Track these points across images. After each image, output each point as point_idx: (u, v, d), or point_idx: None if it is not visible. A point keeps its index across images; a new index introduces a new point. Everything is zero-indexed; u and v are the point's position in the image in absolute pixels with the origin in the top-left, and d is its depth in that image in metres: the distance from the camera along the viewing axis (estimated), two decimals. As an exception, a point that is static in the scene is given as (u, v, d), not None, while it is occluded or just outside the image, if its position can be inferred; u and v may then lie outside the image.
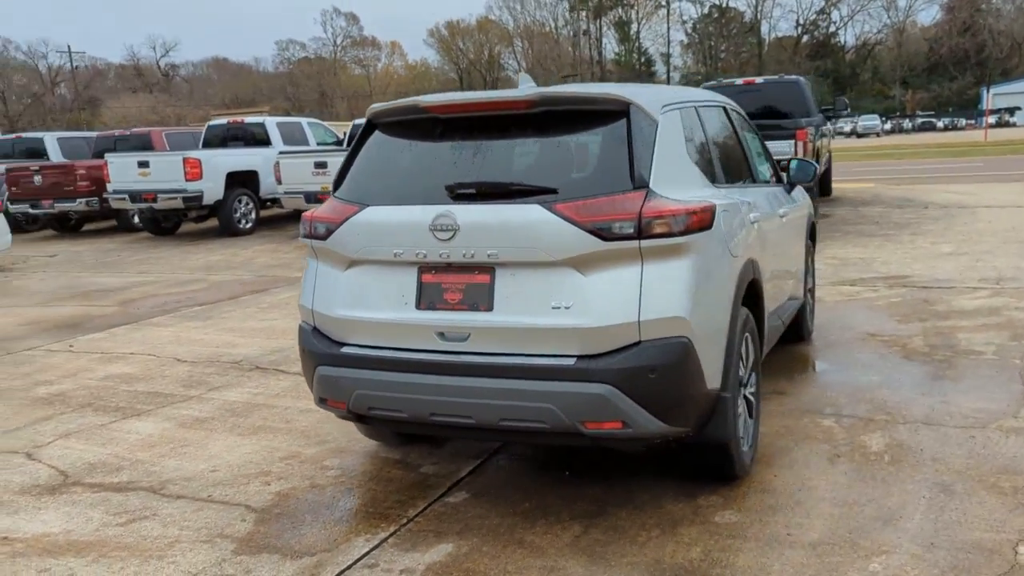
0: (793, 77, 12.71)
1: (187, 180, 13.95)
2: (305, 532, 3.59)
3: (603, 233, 3.14)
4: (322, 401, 3.70)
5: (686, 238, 3.25)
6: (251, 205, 15.40)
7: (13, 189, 16.92)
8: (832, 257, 9.65)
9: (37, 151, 19.09)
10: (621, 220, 3.14)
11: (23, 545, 3.61)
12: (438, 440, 4.50)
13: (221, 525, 3.69)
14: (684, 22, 73.90)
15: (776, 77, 12.85)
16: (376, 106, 3.76)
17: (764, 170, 5.21)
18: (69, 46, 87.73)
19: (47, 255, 14.65)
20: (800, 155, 10.32)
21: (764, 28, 72.37)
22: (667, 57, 73.75)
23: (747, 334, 3.87)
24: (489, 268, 3.31)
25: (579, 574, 3.13)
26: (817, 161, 11.79)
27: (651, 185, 3.24)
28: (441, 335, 3.36)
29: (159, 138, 16.39)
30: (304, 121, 17.66)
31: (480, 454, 4.33)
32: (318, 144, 16.82)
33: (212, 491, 4.07)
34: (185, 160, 13.95)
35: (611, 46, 78.13)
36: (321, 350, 3.61)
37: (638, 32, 75.20)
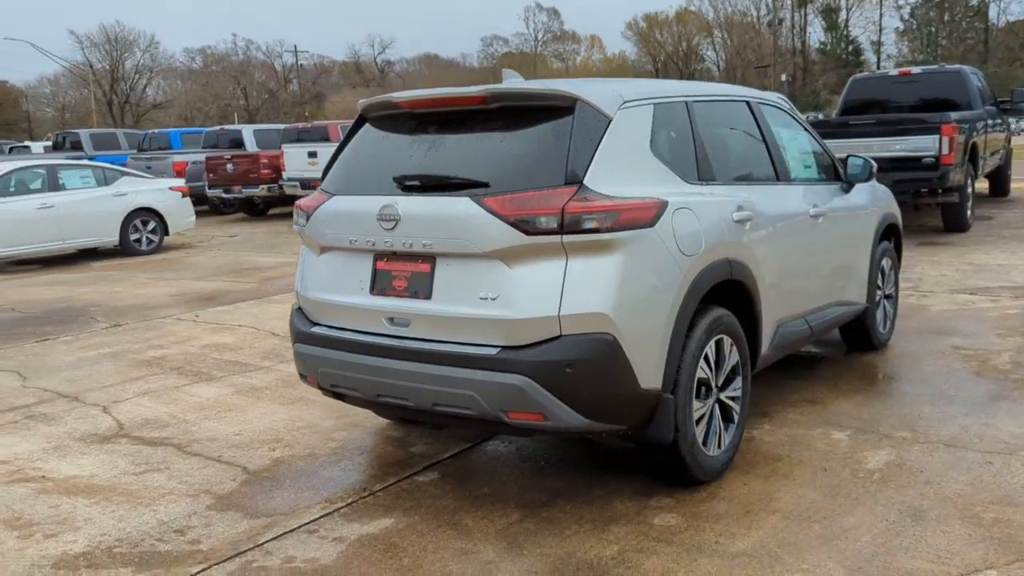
0: (956, 67, 11.69)
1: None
2: (276, 496, 3.89)
3: (526, 227, 3.19)
4: (302, 376, 3.98)
5: (615, 235, 3.23)
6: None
7: (211, 176, 18.72)
8: (969, 263, 8.88)
9: (238, 141, 20.95)
10: (544, 215, 3.18)
11: (52, 484, 4.15)
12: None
13: (212, 483, 4.07)
14: (900, 7, 68.93)
15: (936, 67, 11.85)
16: (363, 100, 3.99)
17: (806, 168, 4.97)
18: (295, 46, 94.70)
19: (228, 235, 16.10)
20: (947, 151, 9.53)
21: (993, 12, 66.10)
22: (878, 45, 69.16)
23: (722, 336, 3.76)
24: (430, 258, 3.45)
25: (489, 558, 3.22)
26: (976, 159, 10.84)
27: (585, 181, 3.25)
28: (391, 320, 3.54)
29: (336, 131, 17.49)
30: None
31: (474, 439, 4.47)
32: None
33: (224, 452, 4.47)
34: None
35: (816, 35, 74.36)
36: (299, 328, 3.90)
37: (847, 19, 71.05)
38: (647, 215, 3.34)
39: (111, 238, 12.95)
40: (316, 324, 3.84)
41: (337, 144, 4.10)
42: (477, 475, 4.04)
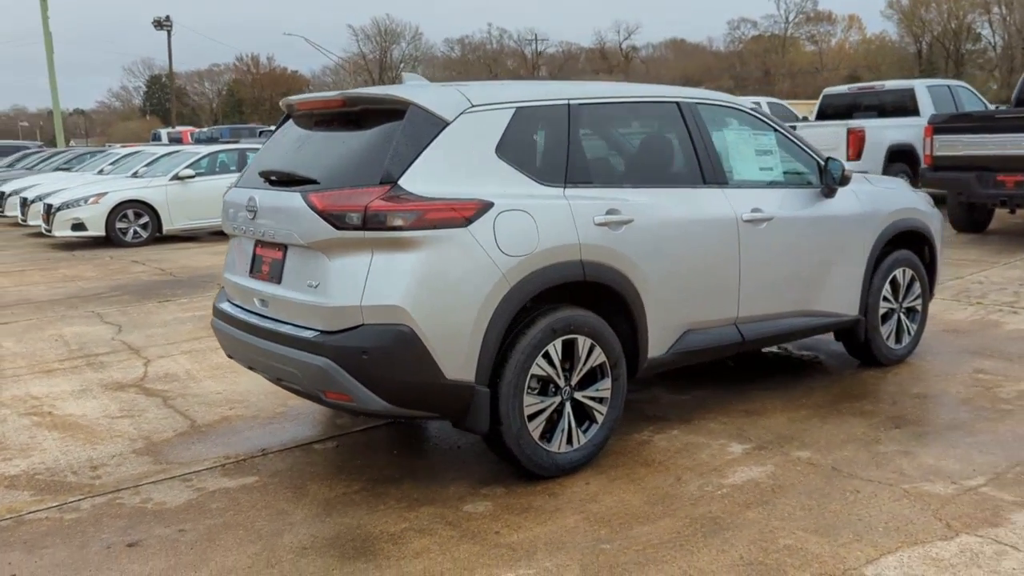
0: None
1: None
2: (192, 448, 4.46)
3: (336, 222, 3.47)
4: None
5: (419, 233, 3.43)
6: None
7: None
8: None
9: None
10: (351, 211, 3.44)
11: (50, 419, 4.98)
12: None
13: (158, 431, 4.71)
14: None
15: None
16: (284, 100, 4.41)
17: (762, 171, 4.78)
18: (535, 34, 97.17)
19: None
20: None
21: None
22: None
23: (575, 336, 3.81)
24: (283, 246, 3.82)
25: (295, 520, 3.55)
26: None
27: (399, 181, 3.47)
28: (262, 301, 3.96)
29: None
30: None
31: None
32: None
33: (193, 407, 5.11)
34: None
35: None
36: (214, 305, 4.42)
37: None
38: (461, 215, 3.50)
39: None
40: (226, 302, 4.34)
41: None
42: (368, 448, 4.37)
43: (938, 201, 6.52)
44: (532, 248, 3.65)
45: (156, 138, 36.05)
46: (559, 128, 3.96)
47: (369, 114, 3.78)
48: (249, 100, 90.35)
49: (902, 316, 5.48)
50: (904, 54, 69.56)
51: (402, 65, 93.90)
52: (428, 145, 3.57)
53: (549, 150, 3.93)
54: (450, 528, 3.43)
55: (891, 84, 13.65)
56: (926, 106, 12.35)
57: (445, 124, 3.63)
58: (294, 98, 4.18)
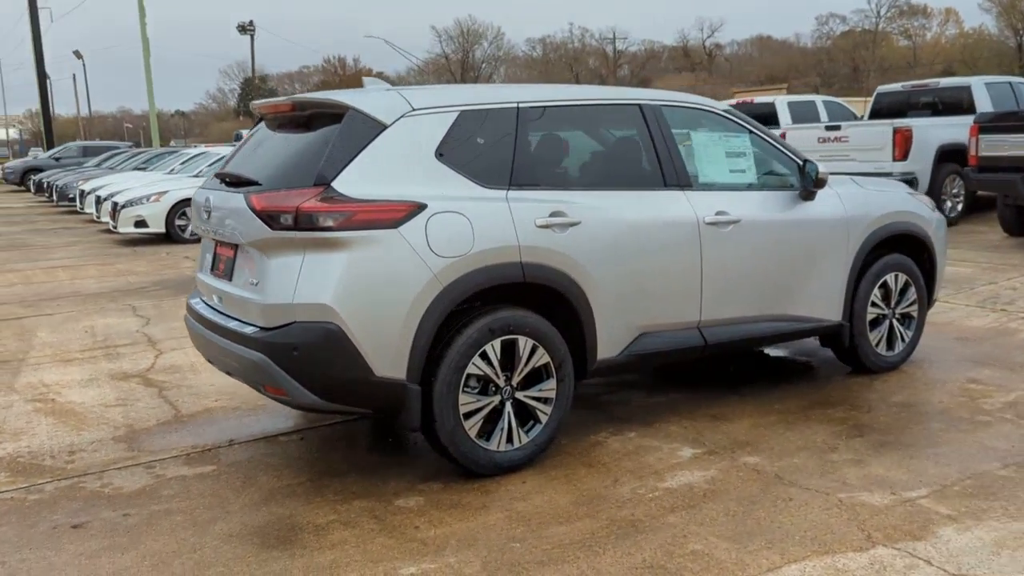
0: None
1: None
2: (168, 437, 4.66)
3: (271, 222, 3.60)
4: None
5: (349, 233, 3.53)
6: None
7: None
8: None
9: None
10: (285, 212, 3.56)
11: (51, 406, 5.28)
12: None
13: (142, 420, 4.94)
14: None
15: None
16: (252, 103, 4.57)
17: (732, 174, 4.71)
18: (614, 32, 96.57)
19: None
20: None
21: None
22: None
23: (515, 337, 3.85)
24: (234, 245, 3.97)
25: (233, 508, 3.69)
26: None
27: (333, 183, 3.58)
28: (219, 298, 4.13)
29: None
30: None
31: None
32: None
33: (182, 398, 5.34)
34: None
35: None
36: (187, 301, 4.61)
37: None
38: (391, 217, 3.59)
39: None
40: (197, 298, 4.53)
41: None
42: (330, 442, 4.50)
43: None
44: (466, 250, 3.71)
45: (238, 138, 37.25)
46: (506, 131, 4.00)
47: (316, 118, 3.91)
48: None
49: (895, 322, 5.33)
50: (1003, 48, 66.61)
51: (484, 65, 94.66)
52: (364, 148, 3.67)
53: (493, 153, 3.97)
54: (374, 522, 3.52)
55: (947, 81, 13.12)
56: (983, 104, 11.80)
57: (383, 127, 3.72)
58: (259, 102, 4.34)
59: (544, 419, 4.01)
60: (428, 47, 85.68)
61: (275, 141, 4.11)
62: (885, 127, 10.94)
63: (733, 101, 15.86)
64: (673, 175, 4.42)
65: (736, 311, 4.61)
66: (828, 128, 11.65)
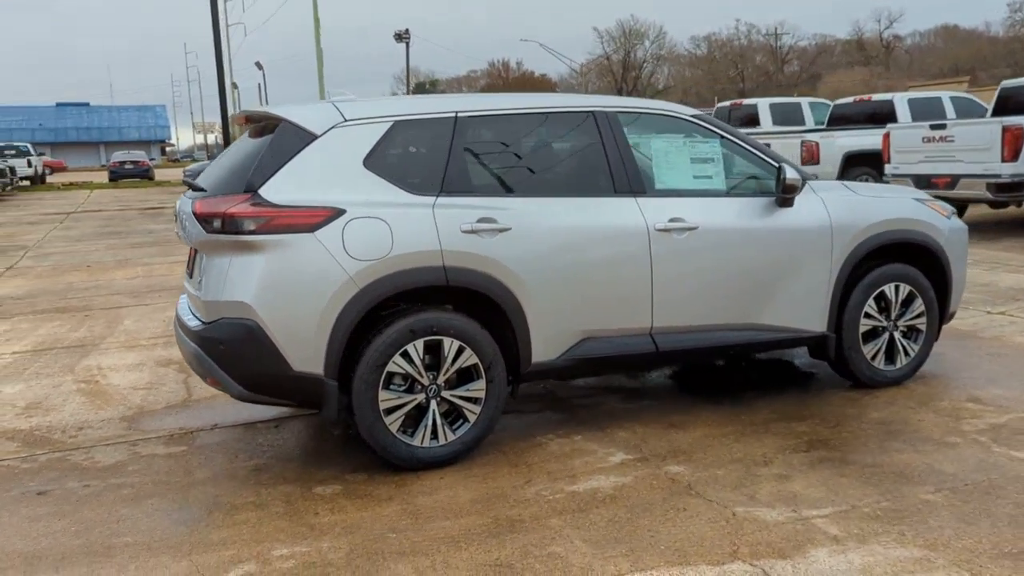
0: None
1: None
2: (166, 419, 5.10)
3: (206, 226, 3.92)
4: None
5: (268, 237, 3.80)
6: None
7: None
8: None
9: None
10: (215, 217, 3.88)
11: (92, 387, 5.88)
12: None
13: (156, 402, 5.42)
14: None
15: None
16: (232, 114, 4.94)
17: (696, 180, 4.64)
18: (776, 28, 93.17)
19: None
20: None
21: None
22: None
23: (440, 338, 4.00)
24: (197, 248, 4.34)
25: (175, 486, 4.07)
26: None
27: (260, 190, 3.87)
28: (188, 297, 4.52)
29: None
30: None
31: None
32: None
33: (200, 386, 5.79)
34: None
35: None
36: (178, 304, 5.04)
37: None
38: (307, 221, 3.83)
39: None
40: (182, 299, 4.95)
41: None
42: (301, 430, 4.81)
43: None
44: (384, 253, 3.90)
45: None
46: (440, 140, 4.16)
47: (265, 129, 4.21)
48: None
49: (896, 336, 5.06)
50: None
51: (645, 65, 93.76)
52: (293, 157, 3.93)
53: (426, 161, 4.14)
54: (283, 505, 3.78)
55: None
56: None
57: (313, 137, 3.98)
58: (240, 111, 4.70)
59: (473, 418, 4.14)
60: (590, 48, 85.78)
61: (234, 151, 4.45)
62: (993, 124, 10.16)
63: (850, 99, 15.12)
64: (624, 182, 4.43)
65: (694, 319, 4.55)
66: (933, 127, 10.93)
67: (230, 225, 3.83)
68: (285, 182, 3.89)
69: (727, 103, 18.51)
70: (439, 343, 4.03)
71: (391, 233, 3.92)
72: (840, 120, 14.67)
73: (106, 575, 3.22)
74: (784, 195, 4.63)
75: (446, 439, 4.10)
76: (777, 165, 4.69)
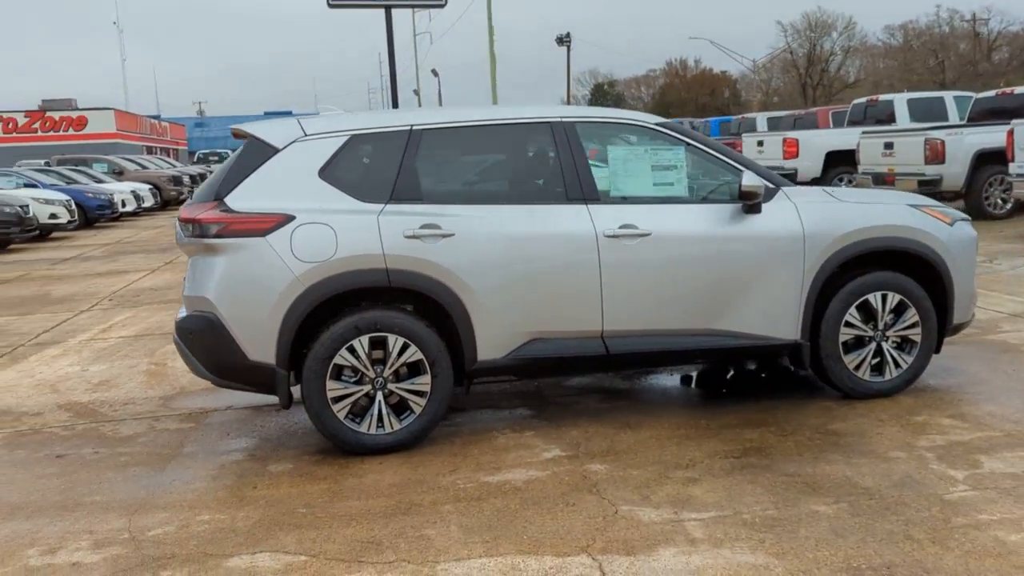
0: None
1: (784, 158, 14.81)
2: (196, 400, 5.73)
3: (185, 231, 4.47)
4: None
5: (226, 240, 4.29)
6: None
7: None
8: None
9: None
10: (191, 223, 4.40)
11: (158, 368, 6.65)
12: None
13: (197, 384, 6.06)
14: None
15: None
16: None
17: (656, 187, 4.72)
18: (973, 13, 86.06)
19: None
20: None
21: None
22: None
23: (384, 334, 4.35)
24: (195, 249, 4.91)
25: (165, 457, 4.65)
26: None
27: (225, 198, 4.36)
28: (192, 293, 5.11)
29: (824, 116, 16.98)
30: None
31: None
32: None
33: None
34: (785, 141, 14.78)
35: None
36: None
37: None
38: (259, 227, 4.29)
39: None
40: None
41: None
42: (297, 416, 5.30)
43: None
44: (328, 256, 4.29)
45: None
46: (393, 152, 4.51)
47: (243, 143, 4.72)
48: (676, 101, 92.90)
49: (885, 346, 4.91)
50: None
51: (832, 57, 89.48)
52: (256, 169, 4.41)
53: (378, 171, 4.50)
54: (234, 479, 4.26)
55: None
56: None
57: (276, 151, 4.44)
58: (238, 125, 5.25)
59: (418, 410, 4.46)
60: (772, 43, 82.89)
61: (223, 164, 4.98)
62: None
63: (993, 92, 14.03)
64: (577, 190, 4.59)
65: (649, 323, 4.64)
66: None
67: (198, 229, 4.35)
68: (248, 191, 4.37)
69: (863, 99, 17.55)
70: (384, 339, 4.38)
71: (336, 238, 4.31)
72: (984, 115, 13.68)
73: (61, 525, 3.80)
74: (745, 201, 4.63)
75: (392, 428, 4.44)
76: (741, 171, 4.68)
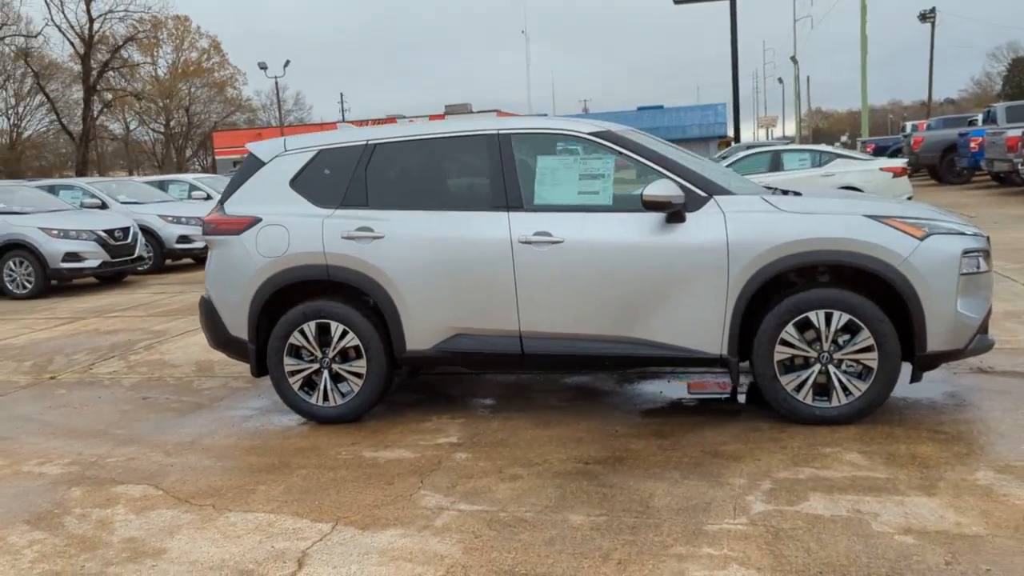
0: None
1: None
2: (206, 383, 6.91)
3: (202, 229, 5.58)
4: None
5: (216, 237, 5.30)
6: None
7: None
8: None
9: None
10: (204, 223, 5.51)
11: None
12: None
13: (226, 363, 7.27)
14: None
15: None
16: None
17: (580, 196, 4.83)
18: None
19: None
20: None
21: None
22: None
23: (327, 321, 5.06)
24: (219, 246, 5.98)
25: (178, 407, 5.84)
26: None
27: (224, 204, 5.39)
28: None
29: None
30: None
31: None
32: None
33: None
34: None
35: None
36: None
37: None
38: (236, 226, 5.22)
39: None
40: None
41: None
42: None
43: None
44: (282, 252, 5.11)
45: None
46: (349, 164, 5.18)
47: (254, 158, 5.69)
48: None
49: (832, 369, 4.52)
50: None
51: None
52: (248, 179, 5.37)
53: (333, 181, 5.19)
54: (228, 428, 5.26)
55: None
56: None
57: (262, 164, 5.36)
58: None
59: (356, 388, 5.12)
60: None
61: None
62: None
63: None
64: (502, 198, 4.89)
65: (562, 327, 4.79)
66: None
67: (204, 228, 5.44)
68: (240, 198, 5.35)
69: None
70: (328, 325, 5.10)
71: (288, 237, 5.11)
72: None
73: (54, 442, 5.15)
74: (650, 211, 4.58)
75: (335, 402, 5.15)
76: (660, 180, 4.62)
